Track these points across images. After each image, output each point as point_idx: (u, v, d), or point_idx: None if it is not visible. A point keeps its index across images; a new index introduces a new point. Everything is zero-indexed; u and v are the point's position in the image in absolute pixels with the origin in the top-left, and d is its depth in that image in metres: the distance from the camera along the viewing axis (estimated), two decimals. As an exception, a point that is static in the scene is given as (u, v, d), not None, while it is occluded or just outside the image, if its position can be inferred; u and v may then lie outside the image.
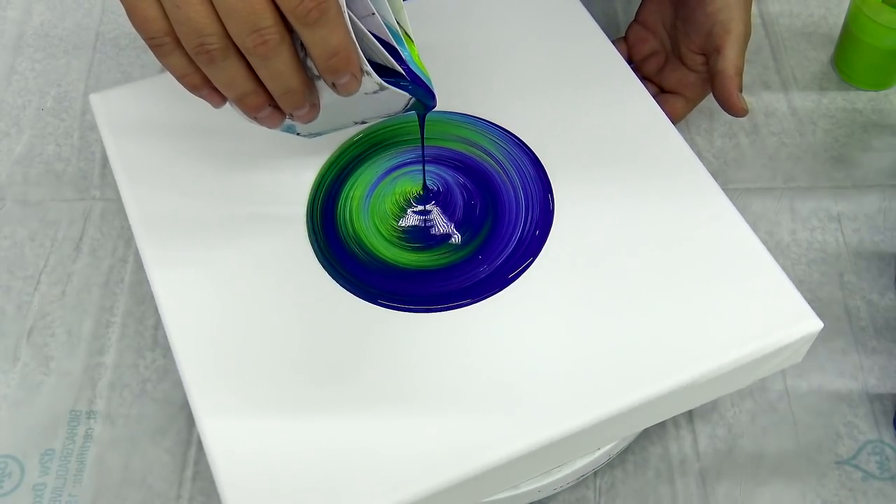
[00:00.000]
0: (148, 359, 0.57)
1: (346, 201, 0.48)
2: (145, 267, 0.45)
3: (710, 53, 0.58)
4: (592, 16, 0.56)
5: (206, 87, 0.38)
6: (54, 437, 0.54)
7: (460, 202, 0.48)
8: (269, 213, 0.47)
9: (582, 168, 0.48)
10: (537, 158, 0.49)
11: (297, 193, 0.48)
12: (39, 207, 0.63)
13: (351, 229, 0.46)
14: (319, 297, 0.44)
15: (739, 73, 0.57)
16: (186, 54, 0.37)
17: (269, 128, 0.41)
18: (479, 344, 0.42)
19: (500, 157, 0.49)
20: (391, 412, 0.40)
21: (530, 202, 0.47)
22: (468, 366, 0.42)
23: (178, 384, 0.56)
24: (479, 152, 0.49)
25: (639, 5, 0.66)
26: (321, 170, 0.49)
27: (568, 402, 0.40)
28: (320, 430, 0.40)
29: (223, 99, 0.39)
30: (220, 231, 0.46)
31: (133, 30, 0.38)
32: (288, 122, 0.41)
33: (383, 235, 0.46)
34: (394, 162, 0.49)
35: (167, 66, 0.38)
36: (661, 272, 0.44)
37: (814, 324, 0.43)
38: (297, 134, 0.44)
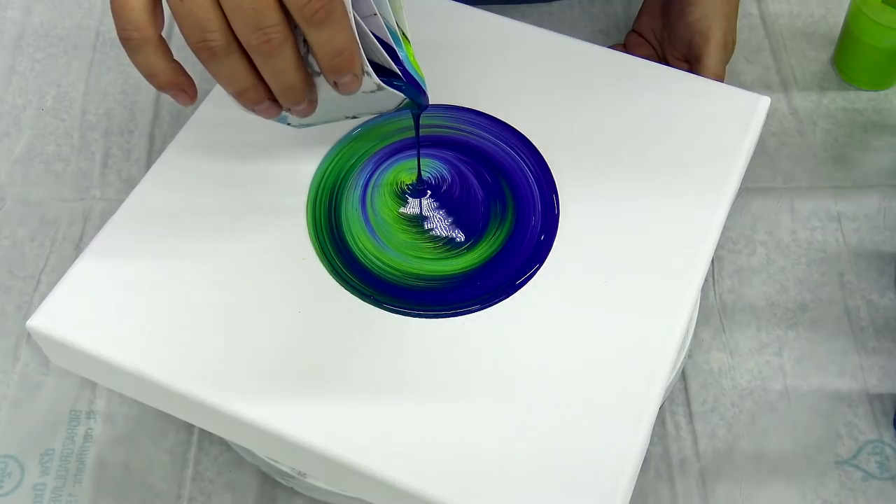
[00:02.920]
0: (148, 359, 0.57)
1: (347, 208, 0.47)
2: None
3: (692, 61, 0.61)
4: (592, 15, 0.56)
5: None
6: (54, 437, 0.54)
7: (480, 198, 0.48)
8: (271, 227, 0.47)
9: (585, 167, 0.48)
10: (542, 158, 0.49)
11: (298, 199, 0.48)
12: (39, 207, 0.63)
13: (360, 242, 0.46)
14: (327, 301, 0.44)
15: (719, 81, 0.58)
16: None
17: (265, 118, 0.41)
18: (488, 350, 0.42)
19: (513, 152, 0.49)
20: (395, 415, 0.40)
21: (542, 204, 0.47)
22: (476, 371, 0.42)
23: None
24: (492, 147, 0.49)
25: (636, 15, 0.67)
26: (321, 169, 0.49)
27: (577, 411, 0.41)
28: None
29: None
30: (223, 234, 0.46)
31: (133, 30, 0.38)
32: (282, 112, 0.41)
33: (393, 247, 0.46)
34: (398, 152, 0.49)
35: None
36: (663, 273, 0.44)
37: (763, 100, 0.49)
38: (288, 124, 0.44)
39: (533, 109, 0.51)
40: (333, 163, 0.49)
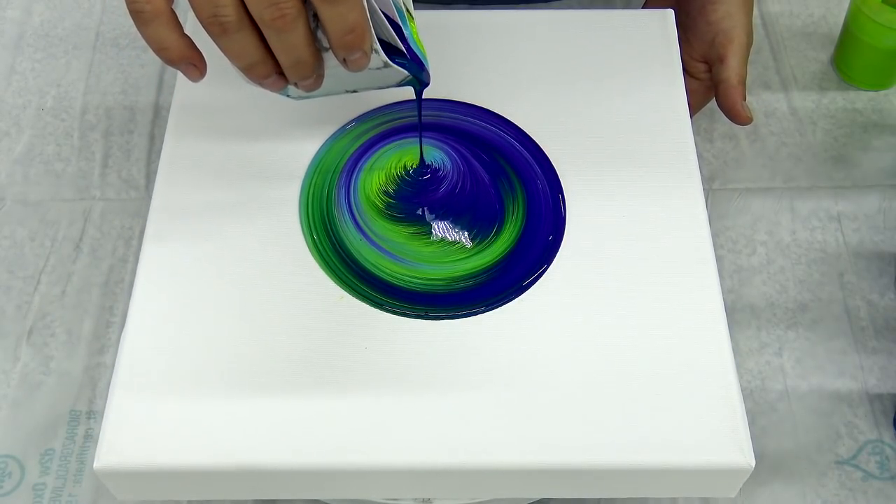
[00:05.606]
0: (148, 359, 0.57)
1: (347, 218, 0.47)
2: (140, 257, 0.45)
3: (713, 62, 0.58)
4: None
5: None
6: (54, 437, 0.54)
7: (492, 196, 0.47)
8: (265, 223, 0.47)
9: (591, 168, 0.48)
10: (547, 157, 0.49)
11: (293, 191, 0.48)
12: (39, 207, 0.63)
13: (364, 252, 0.46)
14: (328, 305, 0.44)
15: (743, 82, 0.57)
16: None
17: (269, 91, 0.41)
18: (493, 352, 0.42)
19: (521, 150, 0.49)
20: (399, 416, 0.40)
21: (550, 204, 0.47)
22: (480, 374, 0.41)
23: (178, 384, 0.56)
24: (497, 138, 0.49)
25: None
26: (313, 169, 0.48)
27: (580, 419, 0.41)
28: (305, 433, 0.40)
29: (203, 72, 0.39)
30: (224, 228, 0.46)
31: (134, 29, 0.38)
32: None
33: (393, 252, 0.46)
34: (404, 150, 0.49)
35: None
36: (650, 301, 0.44)
37: (743, 461, 0.40)
38: (288, 96, 0.44)
39: (522, 98, 0.51)
40: (329, 154, 0.49)
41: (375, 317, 0.43)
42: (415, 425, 0.40)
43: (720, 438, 0.40)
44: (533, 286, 0.44)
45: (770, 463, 0.53)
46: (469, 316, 0.43)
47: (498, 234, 0.46)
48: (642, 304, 0.43)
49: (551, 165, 0.48)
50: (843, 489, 0.53)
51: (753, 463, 0.39)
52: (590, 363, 0.42)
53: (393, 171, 0.48)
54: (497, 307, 0.43)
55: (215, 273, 0.44)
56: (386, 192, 0.47)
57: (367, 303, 0.44)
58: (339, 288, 0.44)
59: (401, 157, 0.49)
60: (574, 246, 0.45)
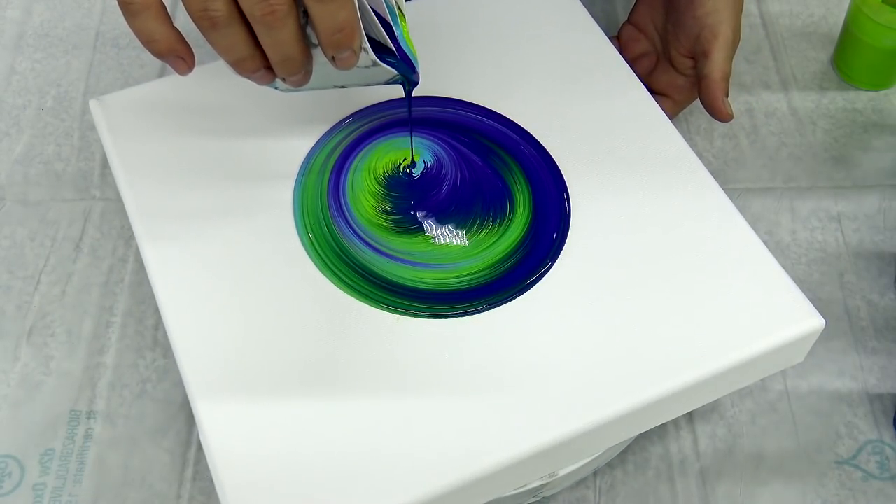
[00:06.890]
0: (148, 359, 0.57)
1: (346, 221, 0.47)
2: (147, 269, 0.45)
3: (698, 57, 0.58)
4: (592, 15, 0.56)
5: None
6: (54, 437, 0.54)
7: (497, 192, 0.48)
8: (261, 210, 0.47)
9: (592, 169, 0.49)
10: (551, 158, 0.49)
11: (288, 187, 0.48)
12: (39, 207, 0.63)
13: (360, 253, 0.46)
14: (328, 303, 0.44)
15: (726, 79, 0.57)
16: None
17: (258, 85, 0.41)
18: (494, 350, 0.42)
19: (522, 152, 0.49)
20: (401, 415, 0.40)
21: (546, 168, 0.47)
22: (482, 371, 0.42)
23: (178, 384, 0.56)
24: (499, 149, 0.50)
25: (633, 5, 0.66)
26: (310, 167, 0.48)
27: (578, 403, 0.41)
28: (323, 434, 0.40)
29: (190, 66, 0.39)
30: (221, 225, 0.46)
31: (134, 29, 0.38)
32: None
33: (425, 262, 0.46)
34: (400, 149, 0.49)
35: None
36: (670, 275, 0.45)
37: (815, 322, 0.43)
38: (276, 88, 0.44)
39: (541, 111, 0.51)
40: (323, 150, 0.49)
41: (421, 325, 0.43)
42: (514, 413, 0.40)
43: (788, 312, 0.43)
44: (564, 250, 0.45)
45: (770, 463, 0.53)
46: (521, 293, 0.44)
47: (513, 207, 0.46)
48: (669, 246, 0.46)
49: (527, 133, 0.49)
50: (843, 489, 0.53)
51: (824, 321, 0.43)
52: (651, 302, 0.43)
53: (376, 187, 0.48)
54: (540, 280, 0.44)
55: (237, 289, 0.44)
56: (385, 211, 0.47)
57: (413, 315, 0.43)
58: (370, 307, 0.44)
59: (372, 164, 0.48)
60: (577, 246, 0.46)
